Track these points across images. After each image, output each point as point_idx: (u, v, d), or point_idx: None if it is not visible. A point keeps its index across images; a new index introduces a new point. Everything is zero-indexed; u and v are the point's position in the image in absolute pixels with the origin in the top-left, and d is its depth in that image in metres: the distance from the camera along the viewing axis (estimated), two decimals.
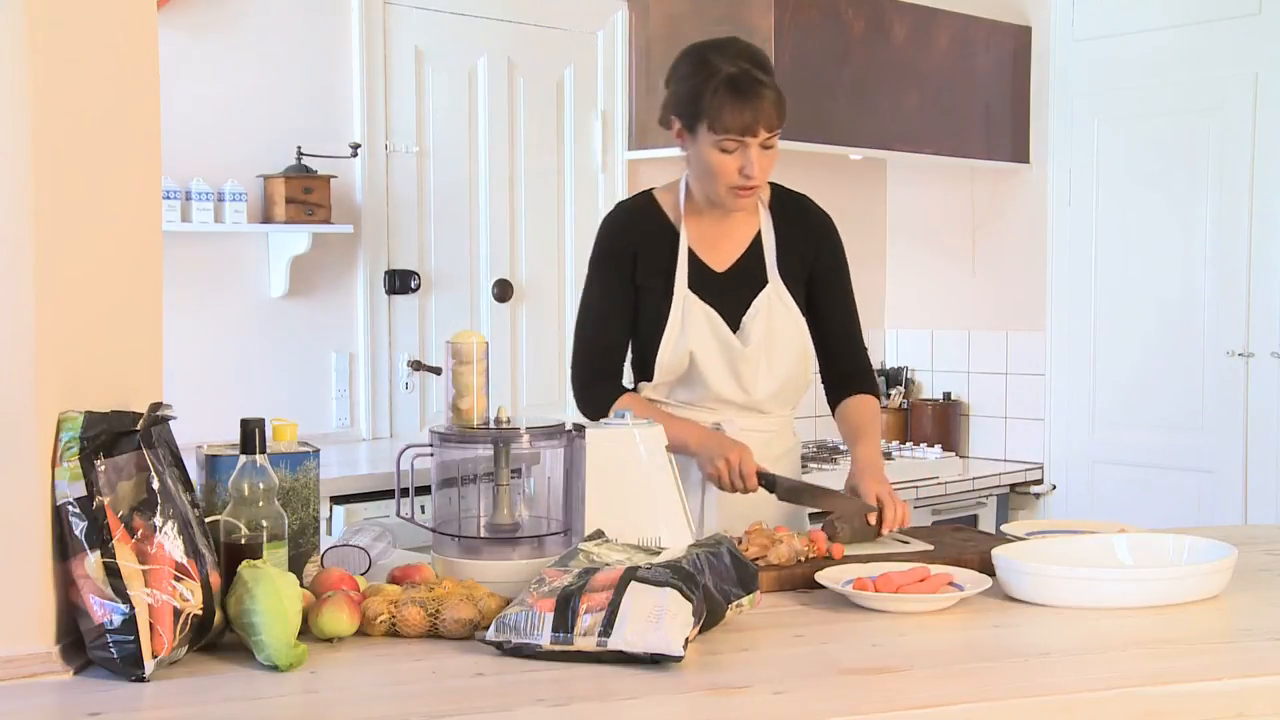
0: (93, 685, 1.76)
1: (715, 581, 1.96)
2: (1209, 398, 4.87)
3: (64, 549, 1.78)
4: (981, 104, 5.17)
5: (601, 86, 4.87)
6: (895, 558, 2.44)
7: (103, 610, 1.76)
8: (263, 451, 2.04)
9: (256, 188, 4.09)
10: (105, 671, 1.79)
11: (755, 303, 2.81)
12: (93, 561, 1.76)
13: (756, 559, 2.32)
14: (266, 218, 4.08)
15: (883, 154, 5.08)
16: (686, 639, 1.82)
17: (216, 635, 1.90)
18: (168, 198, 3.78)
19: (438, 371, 4.40)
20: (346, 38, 4.29)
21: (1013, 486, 5.21)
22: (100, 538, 1.77)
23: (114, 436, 1.83)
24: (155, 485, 1.84)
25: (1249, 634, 2.07)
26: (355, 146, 4.25)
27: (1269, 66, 4.69)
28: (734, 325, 2.79)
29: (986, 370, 5.46)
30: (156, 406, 1.91)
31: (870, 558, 2.44)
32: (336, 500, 3.64)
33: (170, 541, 1.83)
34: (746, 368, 2.79)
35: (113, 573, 1.76)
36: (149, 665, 1.76)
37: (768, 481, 2.67)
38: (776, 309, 2.81)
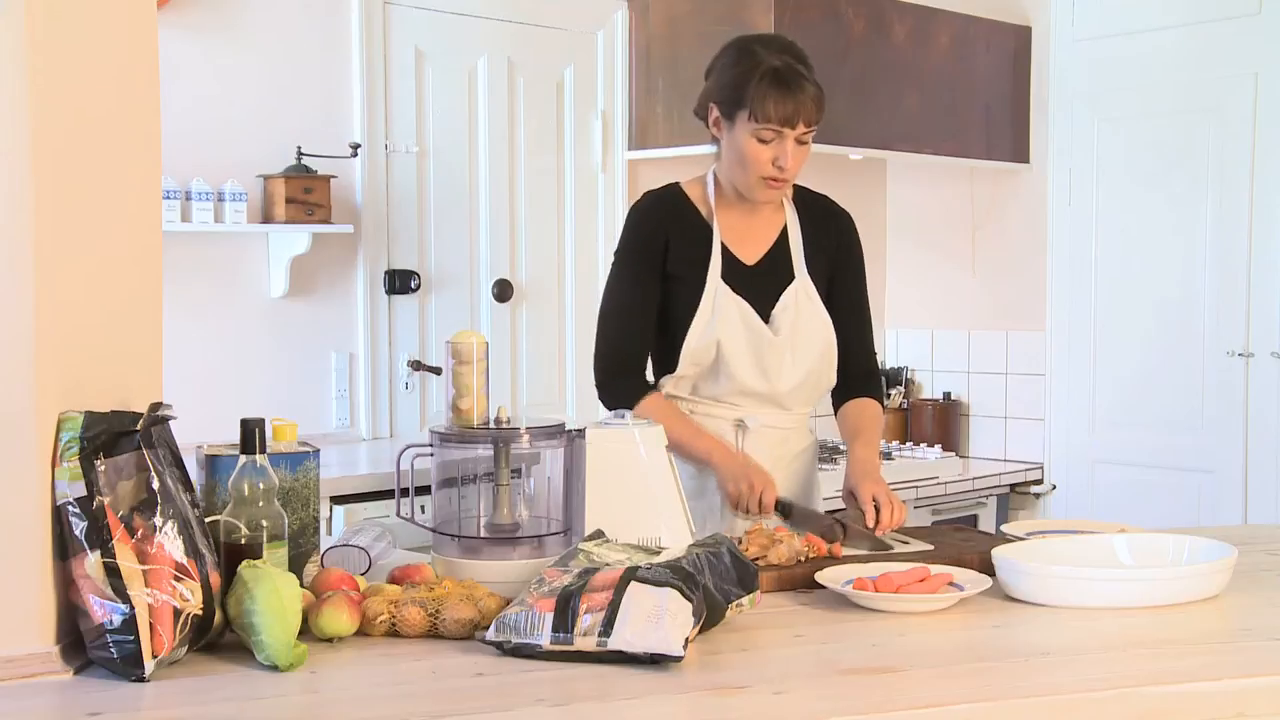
0: (93, 685, 1.76)
1: (715, 581, 1.96)
2: (1209, 398, 4.87)
3: (64, 549, 1.78)
4: (981, 104, 5.17)
5: (601, 86, 4.87)
6: (895, 558, 2.44)
7: (103, 610, 1.76)
8: (263, 451, 2.04)
9: (256, 188, 4.09)
10: (105, 671, 1.79)
11: (784, 297, 2.82)
12: (93, 561, 1.76)
13: (756, 559, 2.32)
14: (266, 218, 4.08)
15: (883, 154, 5.08)
16: (686, 639, 1.82)
17: (216, 635, 1.90)
18: (168, 198, 3.78)
19: (438, 371, 4.40)
20: (346, 38, 4.29)
21: (1013, 486, 5.21)
22: (100, 538, 1.77)
23: (114, 436, 1.83)
24: (155, 485, 1.84)
25: (1249, 634, 2.07)
26: (355, 146, 4.25)
27: (1269, 66, 4.69)
28: (764, 318, 2.81)
29: (986, 370, 5.46)
30: (156, 406, 1.91)
31: (870, 558, 2.44)
32: (336, 500, 3.64)
33: (170, 541, 1.83)
34: (773, 358, 2.80)
35: (113, 573, 1.76)
36: (149, 665, 1.76)
37: (783, 509, 2.68)
38: (804, 304, 2.83)
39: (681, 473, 2.44)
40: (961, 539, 2.64)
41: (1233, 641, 2.05)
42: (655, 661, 1.81)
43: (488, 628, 1.92)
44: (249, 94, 4.11)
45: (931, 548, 2.53)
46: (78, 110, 1.87)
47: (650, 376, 2.87)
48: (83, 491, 1.78)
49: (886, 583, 2.17)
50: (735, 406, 2.83)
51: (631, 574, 1.89)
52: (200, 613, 1.84)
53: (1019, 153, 5.27)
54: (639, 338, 2.83)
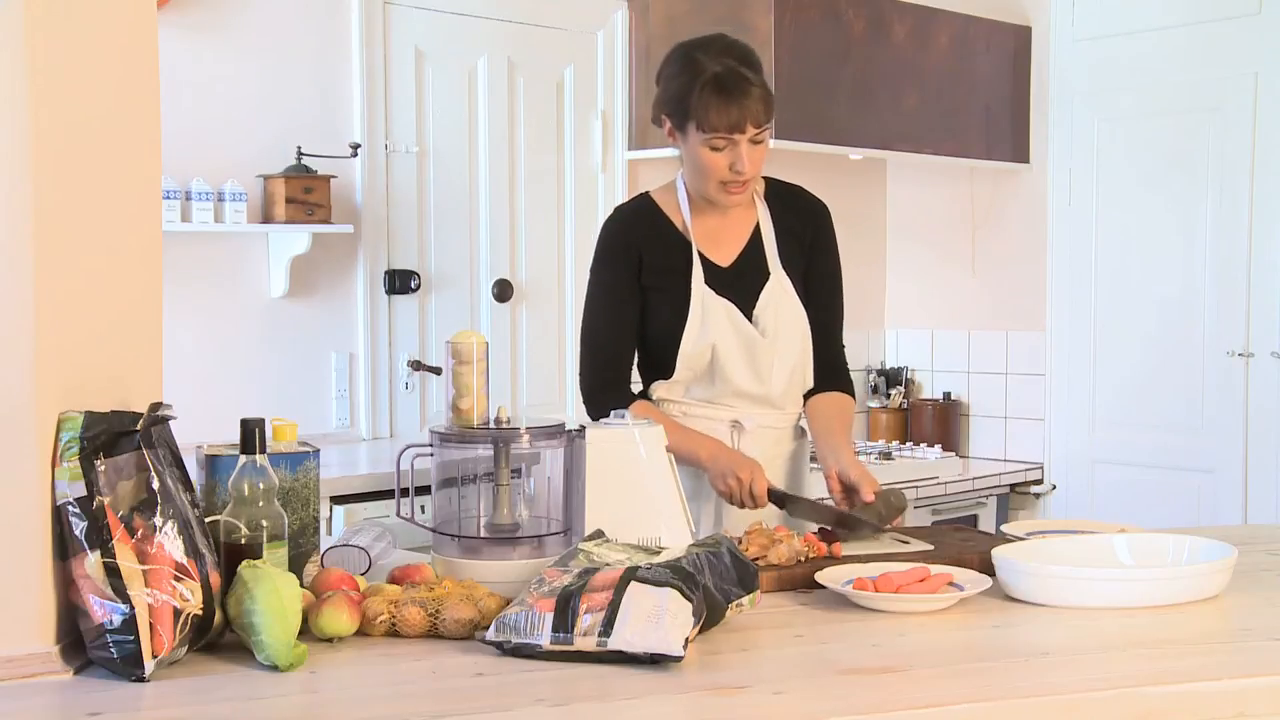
0: (93, 685, 1.76)
1: (715, 581, 1.96)
2: (1209, 398, 4.87)
3: (64, 549, 1.78)
4: (981, 104, 5.17)
5: (601, 86, 4.87)
6: (895, 558, 2.44)
7: (103, 610, 1.76)
8: (263, 451, 2.04)
9: (256, 188, 4.09)
10: (105, 671, 1.79)
11: (763, 295, 2.82)
12: (93, 561, 1.76)
13: (756, 559, 2.32)
14: (266, 218, 4.08)
15: (883, 154, 5.08)
16: (686, 639, 1.82)
17: (216, 635, 1.90)
18: (168, 198, 3.78)
19: (438, 371, 4.40)
20: (346, 38, 4.29)
21: (1013, 486, 5.21)
22: (100, 538, 1.77)
23: (114, 436, 1.83)
24: (155, 485, 1.84)
25: (1249, 634, 2.07)
26: (355, 146, 4.25)
27: (1269, 66, 4.69)
28: (747, 318, 2.81)
29: (986, 370, 5.45)
30: (156, 406, 1.91)
31: (870, 558, 2.44)
32: (336, 500, 3.64)
33: (170, 541, 1.83)
34: (764, 359, 2.81)
35: (113, 573, 1.76)
36: (149, 665, 1.76)
37: (778, 499, 2.68)
38: (782, 300, 2.83)
39: (681, 473, 2.44)
40: (961, 539, 2.63)
41: (1233, 641, 2.05)
42: (655, 661, 1.81)
43: (488, 628, 1.92)
44: (249, 94, 4.11)
45: (931, 548, 2.52)
46: (78, 110, 1.87)
47: (638, 384, 2.88)
48: (83, 491, 1.78)
49: (886, 583, 2.17)
50: (730, 407, 2.84)
51: (631, 574, 1.89)
52: (200, 613, 1.84)
53: (1019, 153, 5.27)
54: (621, 352, 2.84)
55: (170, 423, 1.94)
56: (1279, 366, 4.70)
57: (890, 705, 1.70)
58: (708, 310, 2.79)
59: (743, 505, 2.68)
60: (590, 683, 1.77)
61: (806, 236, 2.89)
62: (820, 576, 2.26)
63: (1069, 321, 5.20)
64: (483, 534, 2.26)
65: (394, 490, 2.32)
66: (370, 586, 2.09)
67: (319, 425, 4.23)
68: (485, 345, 2.30)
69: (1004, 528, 2.67)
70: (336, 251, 4.29)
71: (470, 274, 4.61)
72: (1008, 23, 5.24)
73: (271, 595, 1.83)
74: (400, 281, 4.40)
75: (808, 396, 2.92)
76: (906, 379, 5.60)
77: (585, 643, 1.83)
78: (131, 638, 1.75)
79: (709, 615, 1.93)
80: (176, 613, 1.80)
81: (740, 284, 2.82)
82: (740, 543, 2.35)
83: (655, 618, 1.82)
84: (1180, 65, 4.89)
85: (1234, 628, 2.11)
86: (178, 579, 1.82)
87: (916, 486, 4.72)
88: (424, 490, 2.28)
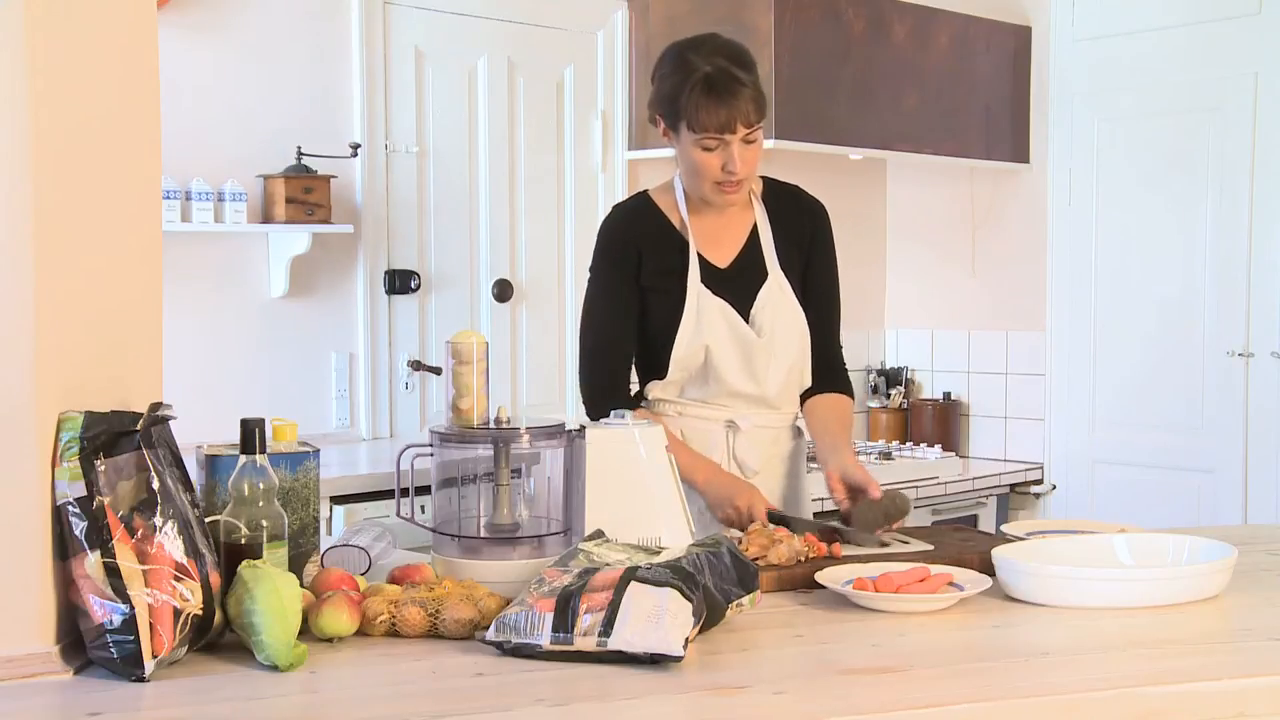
0: (93, 685, 1.76)
1: (715, 581, 1.96)
2: (1209, 398, 4.87)
3: (64, 549, 1.78)
4: (981, 104, 5.17)
5: (601, 86, 4.88)
6: (895, 558, 2.44)
7: (103, 610, 1.76)
8: (263, 451, 2.04)
9: (256, 188, 4.09)
10: (105, 671, 1.79)
11: (760, 296, 2.82)
12: (93, 561, 1.76)
13: (756, 559, 2.32)
14: (266, 218, 4.08)
15: (883, 154, 5.08)
16: (686, 639, 1.82)
17: (216, 635, 1.90)
18: (168, 198, 3.78)
19: (438, 371, 4.40)
20: (346, 38, 4.29)
21: (1013, 486, 5.21)
22: (100, 538, 1.77)
23: (114, 436, 1.83)
24: (155, 485, 1.84)
25: (1249, 634, 2.07)
26: (355, 146, 4.25)
27: (1269, 66, 4.69)
28: (744, 318, 2.81)
29: (986, 370, 5.45)
30: (156, 406, 1.91)
31: (870, 558, 2.44)
32: (336, 500, 3.64)
33: (170, 541, 1.83)
34: (760, 359, 2.81)
35: (113, 573, 1.76)
36: (149, 665, 1.76)
37: (778, 521, 2.68)
38: (780, 301, 2.83)
39: None
40: (961, 539, 2.63)
41: (1233, 641, 2.05)
42: (655, 661, 1.81)
43: (488, 628, 1.92)
44: (249, 94, 4.11)
45: (931, 548, 2.53)
46: (78, 110, 1.87)
47: (635, 383, 2.87)
48: (83, 491, 1.78)
49: (886, 583, 2.17)
50: (724, 408, 2.84)
51: (631, 574, 1.89)
52: (200, 613, 1.84)
53: (1019, 153, 5.27)
54: (621, 355, 2.84)
55: (170, 423, 1.94)
56: (1279, 366, 4.70)
57: (890, 705, 1.70)
58: (703, 311, 2.79)
59: (743, 530, 2.68)
60: (590, 683, 1.77)
61: (805, 237, 2.89)
62: (820, 576, 2.26)
63: (1069, 321, 5.20)
64: (483, 534, 2.26)
65: (394, 490, 2.32)
66: (370, 586, 2.09)
67: (319, 425, 4.23)
68: (485, 345, 2.30)
69: (1004, 528, 2.67)
70: (336, 251, 4.29)
71: (470, 274, 4.61)
72: (1008, 23, 5.25)
73: (271, 595, 1.83)
74: (400, 281, 4.40)
75: (806, 397, 2.92)
76: (906, 379, 5.60)
77: (585, 643, 1.83)
78: (131, 638, 1.75)
79: (709, 615, 1.93)
80: (176, 613, 1.80)
81: (738, 284, 2.82)
82: (740, 543, 2.35)
83: (655, 618, 1.82)
84: (1180, 65, 4.89)
85: (1234, 628, 2.11)
86: (178, 579, 1.82)
87: (916, 486, 4.72)
88: (424, 490, 2.28)
